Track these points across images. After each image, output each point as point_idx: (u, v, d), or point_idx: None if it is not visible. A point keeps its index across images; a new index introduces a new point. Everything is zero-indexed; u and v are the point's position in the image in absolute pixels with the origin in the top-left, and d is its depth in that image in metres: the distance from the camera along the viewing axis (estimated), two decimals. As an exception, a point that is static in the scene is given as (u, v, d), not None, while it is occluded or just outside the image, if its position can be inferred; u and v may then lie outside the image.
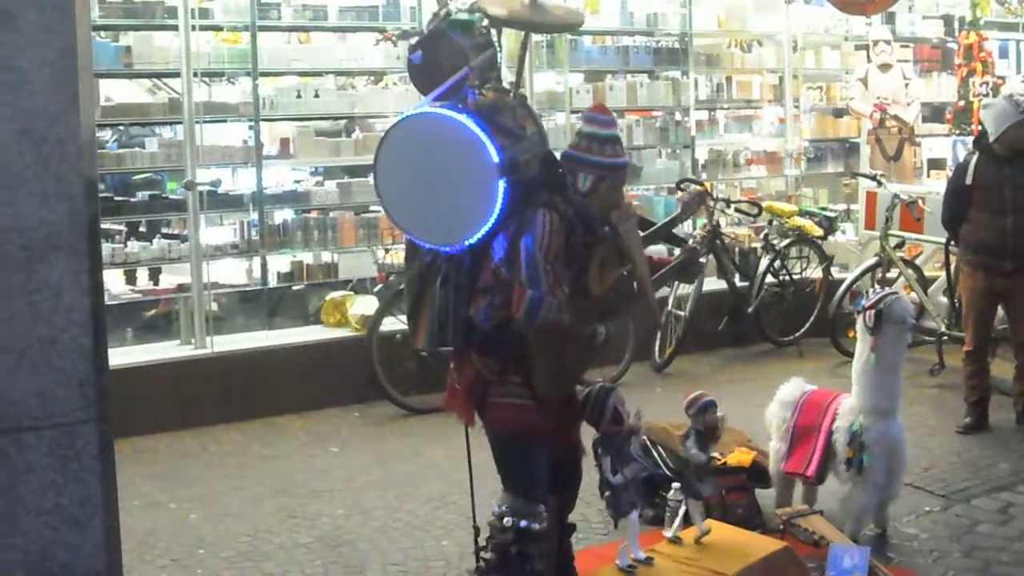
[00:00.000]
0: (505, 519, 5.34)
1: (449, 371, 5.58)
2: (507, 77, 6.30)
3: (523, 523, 5.30)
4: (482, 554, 5.56)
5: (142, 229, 10.43)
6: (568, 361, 5.37)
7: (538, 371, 5.28)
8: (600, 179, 5.25)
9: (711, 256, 10.61)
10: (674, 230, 6.39)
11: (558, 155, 5.43)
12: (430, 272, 5.41)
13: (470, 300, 5.33)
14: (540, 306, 5.05)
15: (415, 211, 5.35)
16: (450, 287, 5.33)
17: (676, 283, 10.15)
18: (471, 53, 5.42)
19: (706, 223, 10.49)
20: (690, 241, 6.16)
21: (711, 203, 10.48)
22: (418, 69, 5.59)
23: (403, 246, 5.83)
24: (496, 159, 5.10)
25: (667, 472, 6.67)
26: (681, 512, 6.07)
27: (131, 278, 9.75)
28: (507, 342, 5.25)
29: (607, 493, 5.56)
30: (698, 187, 10.25)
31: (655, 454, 6.80)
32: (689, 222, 10.55)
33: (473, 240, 5.22)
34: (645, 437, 6.54)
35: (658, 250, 6.80)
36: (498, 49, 5.67)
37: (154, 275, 9.87)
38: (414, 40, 5.68)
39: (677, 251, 6.09)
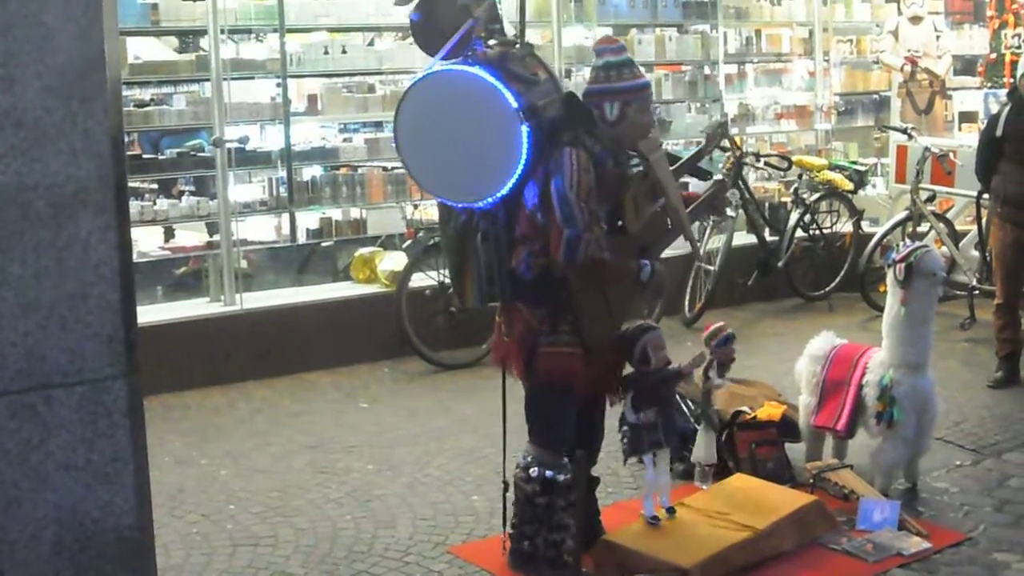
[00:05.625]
0: (531, 470, 5.39)
1: (496, 324, 5.60)
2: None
3: (548, 474, 5.36)
4: (510, 514, 5.60)
5: (190, 187, 10.45)
6: (612, 301, 5.39)
7: (584, 314, 5.30)
8: (626, 104, 5.29)
9: (741, 211, 10.59)
10: (700, 164, 6.39)
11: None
12: (468, 230, 5.43)
13: (510, 252, 5.35)
14: (579, 243, 5.09)
15: (443, 173, 5.37)
16: (491, 242, 5.35)
17: (706, 237, 10.14)
18: (472, 5, 5.41)
19: (729, 155, 10.42)
20: (717, 172, 6.21)
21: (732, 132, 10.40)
22: (421, 31, 5.59)
23: (431, 201, 5.84)
24: (514, 104, 5.11)
25: (696, 426, 6.67)
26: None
27: (160, 235, 9.77)
28: (553, 291, 5.28)
29: (624, 428, 5.60)
30: (719, 118, 10.23)
31: (684, 408, 6.79)
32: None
33: (504, 191, 5.24)
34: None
35: (688, 184, 6.85)
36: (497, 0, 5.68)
37: (171, 233, 9.90)
38: (414, 3, 5.65)
39: (704, 185, 6.12)
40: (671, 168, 5.71)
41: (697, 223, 7.59)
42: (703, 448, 6.40)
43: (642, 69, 5.53)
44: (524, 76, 5.31)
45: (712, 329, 6.25)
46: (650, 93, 5.53)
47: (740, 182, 10.52)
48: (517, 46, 5.49)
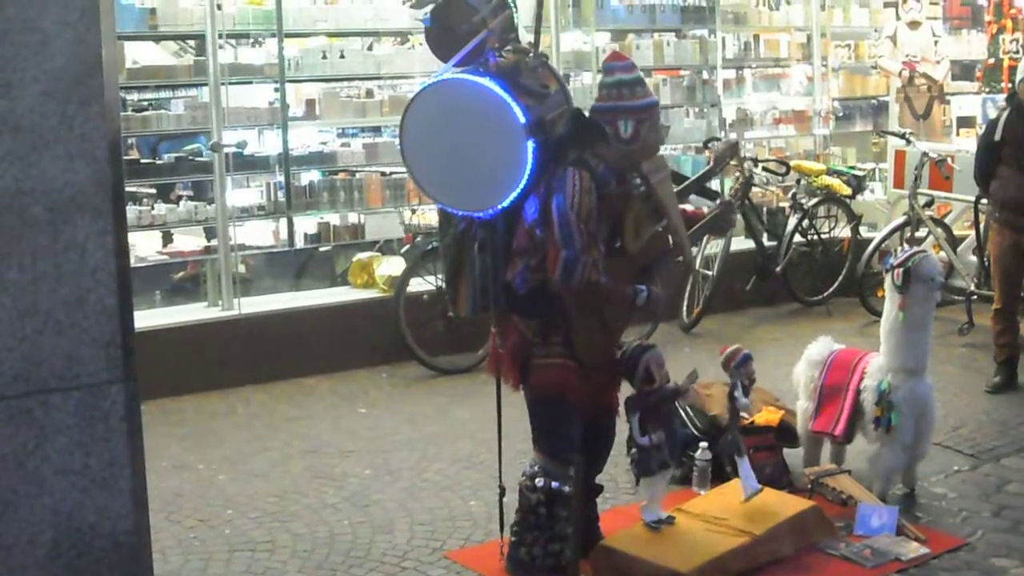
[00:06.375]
0: (536, 479, 5.38)
1: (491, 335, 5.59)
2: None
3: (554, 484, 5.35)
4: (509, 523, 5.59)
5: (188, 192, 10.45)
6: (608, 321, 5.37)
7: (578, 332, 5.29)
8: (640, 122, 5.26)
9: (740, 215, 10.57)
10: (707, 184, 6.37)
11: (586, 113, 5.42)
12: (466, 239, 5.42)
13: (507, 264, 5.33)
14: (575, 266, 5.07)
15: (446, 180, 5.35)
16: (487, 252, 5.33)
17: (704, 242, 10.13)
18: (488, 16, 5.39)
19: (738, 175, 10.42)
20: (724, 194, 6.17)
21: (742, 154, 10.39)
22: (435, 36, 5.57)
23: (430, 205, 5.83)
24: (523, 119, 5.09)
25: (695, 432, 6.67)
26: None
27: (158, 240, 9.77)
28: (547, 304, 5.26)
29: (632, 450, 5.58)
30: (729, 139, 10.20)
31: (683, 414, 6.79)
32: (718, 181, 10.51)
33: (506, 203, 5.22)
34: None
35: (694, 203, 6.83)
36: (514, 9, 5.65)
37: (169, 238, 9.90)
38: (429, 7, 5.64)
39: (709, 205, 6.09)
40: (679, 188, 5.70)
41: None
42: (747, 478, 6.10)
43: (649, 86, 5.52)
44: (534, 90, 5.29)
45: (728, 352, 6.11)
46: (659, 112, 5.52)
47: (746, 201, 10.50)
48: (530, 55, 5.47)
